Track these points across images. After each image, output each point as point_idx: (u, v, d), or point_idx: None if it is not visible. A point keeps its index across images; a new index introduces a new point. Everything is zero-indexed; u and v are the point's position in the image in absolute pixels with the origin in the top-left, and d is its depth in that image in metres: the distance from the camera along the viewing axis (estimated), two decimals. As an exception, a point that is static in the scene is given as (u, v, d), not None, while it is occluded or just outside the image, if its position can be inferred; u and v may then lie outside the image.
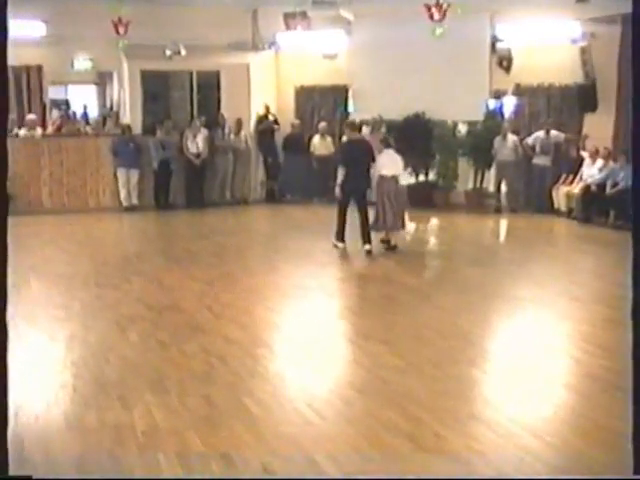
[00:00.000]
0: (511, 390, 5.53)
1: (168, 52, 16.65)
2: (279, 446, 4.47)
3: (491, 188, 15.73)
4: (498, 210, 15.07)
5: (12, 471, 4.08)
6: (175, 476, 4.10)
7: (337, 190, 11.19)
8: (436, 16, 14.28)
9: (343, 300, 8.67)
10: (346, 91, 17.35)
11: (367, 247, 10.95)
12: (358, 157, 11.20)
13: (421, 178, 16.29)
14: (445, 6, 14.23)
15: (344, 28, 16.89)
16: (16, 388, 5.44)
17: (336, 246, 11.20)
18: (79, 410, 5.05)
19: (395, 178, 11.35)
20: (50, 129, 16.84)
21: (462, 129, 15.84)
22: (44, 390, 5.50)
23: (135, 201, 16.13)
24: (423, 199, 15.57)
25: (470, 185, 15.89)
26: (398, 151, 11.72)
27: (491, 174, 15.67)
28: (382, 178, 11.26)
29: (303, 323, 7.61)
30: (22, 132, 16.22)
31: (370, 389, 5.49)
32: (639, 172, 3.31)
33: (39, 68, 16.88)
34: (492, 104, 16.07)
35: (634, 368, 3.26)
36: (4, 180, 3.27)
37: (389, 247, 11.26)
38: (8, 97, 3.21)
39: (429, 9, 14.33)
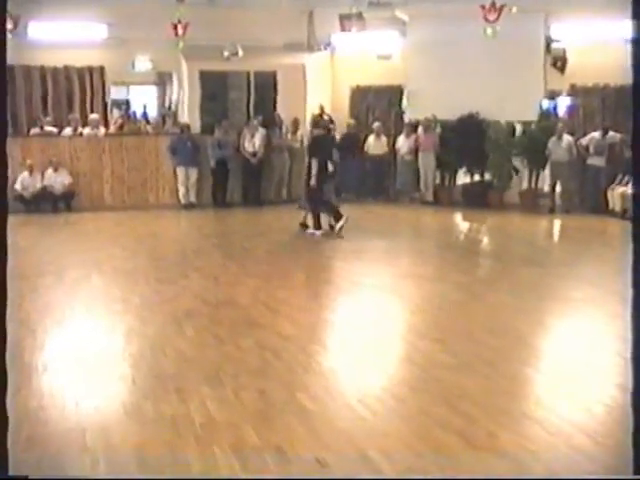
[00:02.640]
0: (564, 389, 5.50)
1: (226, 53, 16.82)
2: (332, 441, 4.51)
3: (546, 188, 15.61)
4: (552, 210, 14.95)
5: (76, 460, 4.26)
6: (227, 476, 4.18)
7: (313, 181, 12.21)
8: (491, 16, 14.23)
9: (396, 298, 8.70)
10: (400, 91, 17.36)
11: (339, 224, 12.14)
12: (327, 149, 12.60)
13: (476, 178, 16.24)
14: (500, 6, 14.17)
15: (399, 29, 16.90)
16: (77, 379, 5.62)
17: (314, 234, 12.19)
18: (137, 401, 5.16)
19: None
20: (112, 128, 17.15)
21: (516, 129, 15.75)
22: (104, 382, 5.63)
23: (193, 199, 16.36)
24: (478, 199, 15.53)
25: (525, 185, 15.80)
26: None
27: (545, 174, 15.56)
28: None
29: (357, 320, 7.65)
30: (85, 131, 16.56)
31: (423, 387, 5.52)
32: (639, 172, 3.31)
33: (101, 69, 17.22)
34: (546, 104, 15.94)
35: (634, 368, 3.27)
36: (4, 180, 3.31)
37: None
38: (7, 97, 3.27)
39: (484, 9, 14.29)
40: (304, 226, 12.62)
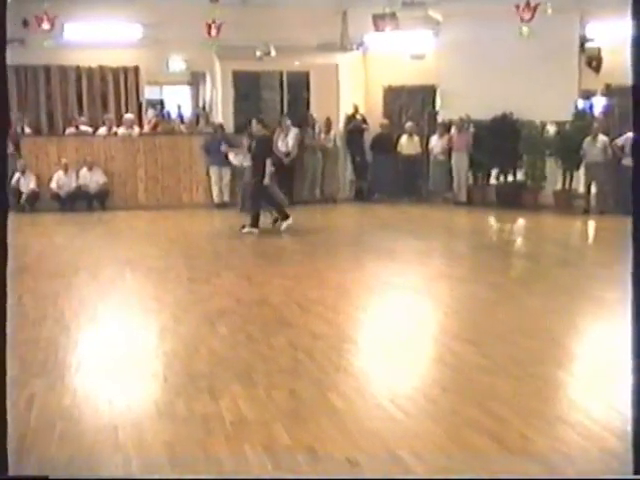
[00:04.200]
0: (597, 392, 5.45)
1: (258, 53, 16.88)
2: (363, 441, 4.50)
3: (581, 189, 15.48)
4: (586, 211, 14.82)
5: (109, 457, 4.29)
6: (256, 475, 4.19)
7: (267, 180, 12.59)
8: (525, 16, 14.14)
9: (429, 298, 8.67)
10: (434, 91, 17.33)
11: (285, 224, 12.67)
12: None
13: (509, 178, 16.16)
14: (534, 5, 14.08)
15: (432, 28, 16.85)
16: (110, 377, 5.67)
17: (252, 232, 12.51)
18: (170, 400, 5.17)
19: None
20: (146, 128, 17.28)
21: (550, 129, 15.63)
22: (136, 380, 5.68)
23: (226, 198, 16.44)
24: (511, 199, 15.45)
25: (559, 186, 15.68)
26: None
27: (580, 175, 15.43)
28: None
29: (389, 320, 7.64)
30: (120, 131, 16.70)
31: (455, 387, 5.50)
32: (639, 172, 3.28)
33: (136, 69, 17.37)
34: (581, 104, 15.82)
35: (634, 367, 3.26)
36: (4, 180, 3.31)
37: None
38: (7, 98, 3.25)
39: (518, 9, 14.21)
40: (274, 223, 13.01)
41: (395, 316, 7.79)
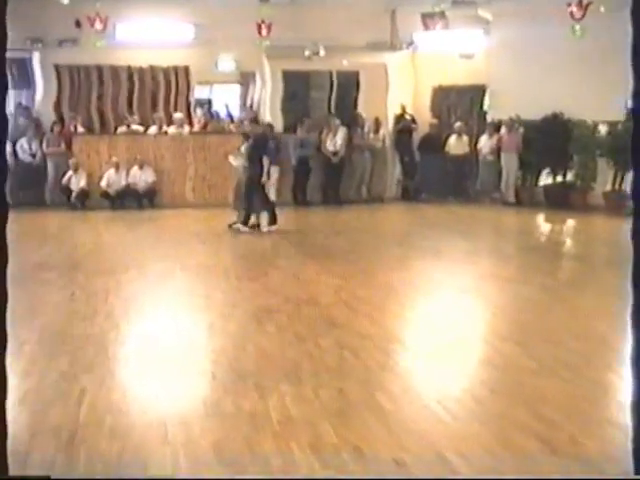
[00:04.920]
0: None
1: (308, 52, 16.92)
2: (410, 442, 4.48)
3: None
4: (637, 212, 14.59)
5: (157, 452, 4.34)
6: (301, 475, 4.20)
7: (265, 178, 12.70)
8: (577, 14, 13.98)
9: (477, 299, 8.62)
10: (483, 91, 17.21)
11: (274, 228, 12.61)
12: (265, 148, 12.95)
13: (558, 179, 15.99)
14: (586, 4, 13.91)
15: (482, 28, 16.73)
16: (159, 373, 5.72)
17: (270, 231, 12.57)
18: (217, 397, 5.21)
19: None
20: (196, 127, 17.41)
21: (602, 129, 15.43)
22: (185, 376, 5.73)
23: (273, 197, 16.45)
24: (560, 200, 15.29)
25: (608, 187, 15.47)
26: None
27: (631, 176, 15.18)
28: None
29: (436, 320, 7.61)
30: (170, 130, 16.85)
31: (503, 389, 5.46)
32: (639, 172, 3.23)
33: (186, 69, 17.53)
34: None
35: (633, 367, 3.26)
36: (4, 180, 3.30)
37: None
38: (6, 98, 3.28)
39: (570, 7, 14.05)
40: (256, 226, 12.83)
41: (442, 316, 7.76)
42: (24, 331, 6.86)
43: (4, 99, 3.33)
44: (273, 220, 12.72)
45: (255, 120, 17.67)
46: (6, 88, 3.35)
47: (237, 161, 12.94)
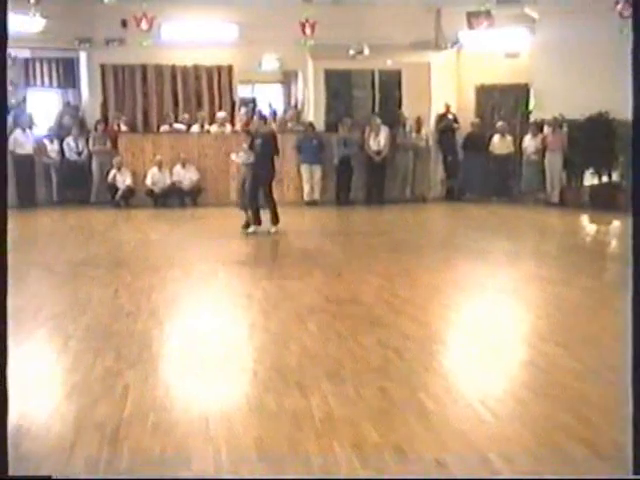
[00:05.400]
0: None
1: (351, 51, 16.93)
2: (452, 442, 4.46)
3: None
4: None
5: (200, 448, 4.37)
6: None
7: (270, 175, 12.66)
8: (625, 12, 13.80)
9: (520, 300, 8.56)
10: (527, 90, 17.07)
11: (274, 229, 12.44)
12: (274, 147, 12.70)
13: (604, 179, 15.82)
14: (635, 1, 13.72)
15: (528, 26, 16.60)
16: (202, 370, 5.76)
17: (255, 231, 12.31)
18: (259, 394, 5.21)
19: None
20: (239, 126, 17.48)
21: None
22: (227, 373, 5.76)
23: (317, 196, 16.53)
24: (605, 201, 15.12)
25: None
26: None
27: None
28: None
29: (480, 322, 7.55)
30: (213, 128, 16.95)
31: (545, 391, 5.41)
32: (639, 172, 3.17)
33: (230, 68, 17.65)
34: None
35: (633, 367, 3.27)
36: (4, 180, 3.30)
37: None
38: (6, 97, 3.29)
39: (617, 5, 13.88)
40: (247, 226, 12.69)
41: (485, 317, 7.71)
42: (70, 327, 6.97)
43: (5, 101, 3.35)
44: (275, 220, 12.58)
45: (298, 119, 17.74)
46: (6, 89, 3.36)
47: (240, 158, 12.85)
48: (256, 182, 12.43)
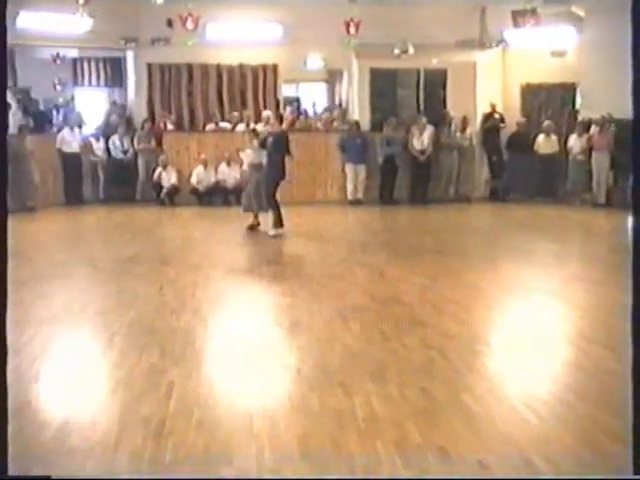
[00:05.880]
0: None
1: (396, 51, 16.89)
2: (495, 444, 4.44)
3: None
4: None
5: (244, 445, 4.39)
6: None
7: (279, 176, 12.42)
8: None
9: (565, 301, 8.48)
10: (574, 89, 16.88)
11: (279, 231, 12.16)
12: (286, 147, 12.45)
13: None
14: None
15: (575, 25, 16.42)
16: (245, 368, 5.79)
17: (276, 235, 12.01)
18: (303, 393, 5.25)
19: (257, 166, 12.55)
20: (283, 125, 17.52)
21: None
22: (271, 371, 5.78)
23: (361, 195, 16.52)
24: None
25: None
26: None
27: None
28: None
29: (524, 322, 7.51)
30: (258, 127, 16.99)
31: (590, 393, 5.36)
32: (639, 171, 3.11)
33: (275, 67, 17.69)
34: None
35: (634, 367, 3.26)
36: (4, 180, 3.31)
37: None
38: (6, 97, 3.28)
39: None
40: (252, 228, 12.58)
41: (530, 318, 7.65)
42: (115, 323, 7.05)
43: (5, 100, 3.37)
44: (279, 223, 12.32)
45: (343, 118, 17.74)
46: (5, 89, 3.38)
47: (248, 157, 12.71)
48: (270, 182, 12.37)
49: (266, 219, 12.53)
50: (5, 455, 3.28)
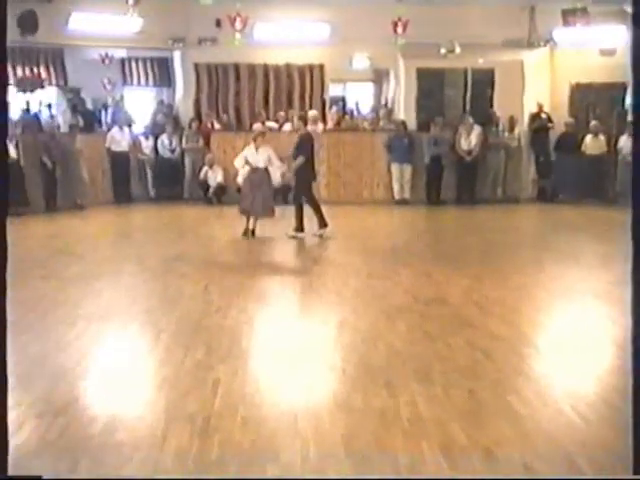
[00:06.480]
0: None
1: (443, 50, 16.81)
2: (541, 446, 4.40)
3: None
4: None
5: (289, 443, 4.41)
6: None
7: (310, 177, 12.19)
8: None
9: (613, 304, 8.37)
10: (624, 89, 16.64)
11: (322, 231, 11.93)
12: (311, 148, 12.18)
13: None
14: None
15: (625, 23, 16.20)
16: (290, 366, 5.81)
17: (295, 237, 11.78)
18: (347, 392, 5.25)
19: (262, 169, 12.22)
20: (330, 124, 17.55)
21: None
22: (316, 370, 5.79)
23: (407, 195, 16.48)
24: None
25: None
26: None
27: None
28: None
29: (571, 324, 7.44)
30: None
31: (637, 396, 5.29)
32: (639, 169, 3.04)
33: (321, 67, 17.72)
34: None
35: (634, 367, 3.29)
36: (4, 180, 3.29)
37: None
38: (7, 96, 3.29)
39: None
40: (252, 233, 12.02)
41: (577, 320, 7.58)
42: (162, 321, 7.12)
43: (5, 100, 3.39)
44: (322, 223, 12.07)
45: (389, 118, 17.71)
46: (6, 88, 3.40)
47: (257, 159, 12.32)
48: (303, 183, 12.18)
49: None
50: (5, 455, 3.27)
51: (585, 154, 16.62)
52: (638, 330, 3.16)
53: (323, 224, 12.09)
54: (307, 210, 12.16)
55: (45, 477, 3.59)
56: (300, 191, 12.17)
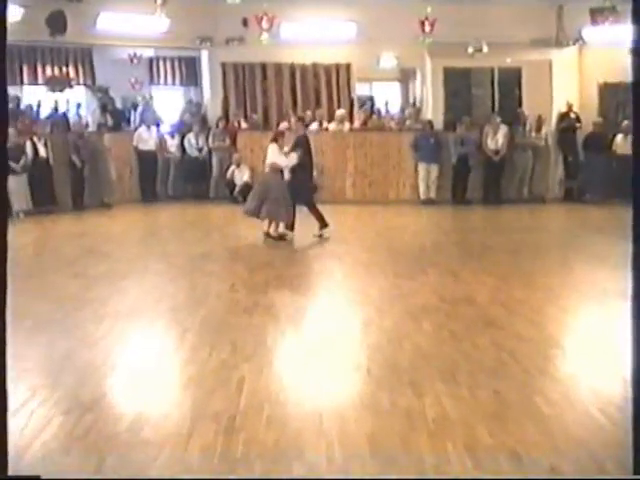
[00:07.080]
0: None
1: (470, 49, 16.75)
2: (568, 449, 4.37)
3: None
4: None
5: (313, 442, 4.41)
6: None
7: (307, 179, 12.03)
8: None
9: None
10: (654, 87, 16.51)
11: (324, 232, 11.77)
12: (309, 150, 11.98)
13: None
14: None
15: (655, 21, 16.08)
16: (315, 365, 5.81)
17: (321, 235, 11.70)
18: (372, 391, 5.25)
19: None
20: (357, 124, 17.54)
21: None
22: (341, 369, 5.80)
23: (433, 195, 16.43)
24: None
25: None
26: None
27: None
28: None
29: (598, 326, 7.37)
30: (331, 126, 17.05)
31: (667, 399, 5.25)
32: (639, 168, 2.99)
33: (348, 66, 17.72)
34: None
35: (633, 367, 3.28)
36: (4, 180, 3.29)
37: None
38: (6, 96, 3.28)
39: None
40: (269, 236, 11.72)
41: (604, 321, 7.51)
42: (188, 319, 7.15)
43: (5, 100, 3.40)
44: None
45: (416, 117, 17.66)
46: (6, 89, 3.41)
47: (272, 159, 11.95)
48: (308, 186, 12.19)
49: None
50: (5, 455, 3.28)
51: (616, 154, 16.48)
52: (638, 330, 3.13)
53: (323, 224, 11.97)
54: (302, 211, 12.13)
55: (44, 477, 3.59)
56: (300, 192, 12.00)
